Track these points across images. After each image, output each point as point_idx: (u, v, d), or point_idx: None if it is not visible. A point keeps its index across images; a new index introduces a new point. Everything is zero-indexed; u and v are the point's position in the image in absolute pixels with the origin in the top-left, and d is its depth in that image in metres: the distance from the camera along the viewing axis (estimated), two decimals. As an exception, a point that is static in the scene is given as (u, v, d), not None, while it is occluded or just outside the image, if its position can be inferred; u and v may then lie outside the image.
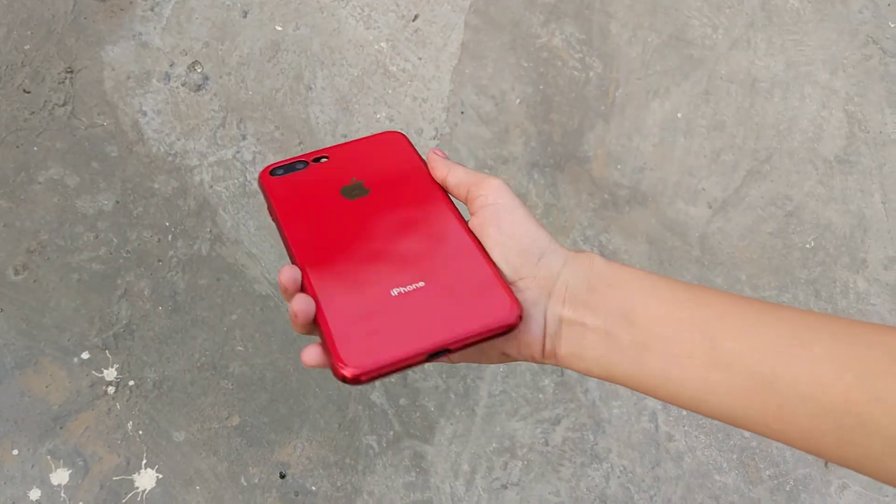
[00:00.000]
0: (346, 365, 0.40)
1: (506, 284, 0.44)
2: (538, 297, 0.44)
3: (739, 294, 0.44)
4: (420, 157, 0.51)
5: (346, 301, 0.44)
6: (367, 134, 0.57)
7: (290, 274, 0.45)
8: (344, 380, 0.41)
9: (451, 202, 0.49)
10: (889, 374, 0.35)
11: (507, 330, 0.42)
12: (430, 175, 0.50)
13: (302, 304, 0.43)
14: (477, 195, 0.47)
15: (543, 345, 0.45)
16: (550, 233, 0.47)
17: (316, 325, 0.43)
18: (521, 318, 0.43)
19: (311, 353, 0.43)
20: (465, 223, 0.48)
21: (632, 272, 0.45)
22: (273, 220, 0.49)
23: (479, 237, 0.47)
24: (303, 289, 0.45)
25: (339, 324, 0.42)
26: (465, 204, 0.49)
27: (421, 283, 0.44)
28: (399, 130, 0.52)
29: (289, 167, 0.50)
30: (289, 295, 0.45)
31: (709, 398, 0.40)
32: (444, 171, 0.49)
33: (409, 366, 0.42)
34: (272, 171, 0.50)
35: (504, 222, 0.46)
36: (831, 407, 0.36)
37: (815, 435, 0.37)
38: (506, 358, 0.47)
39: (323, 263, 0.46)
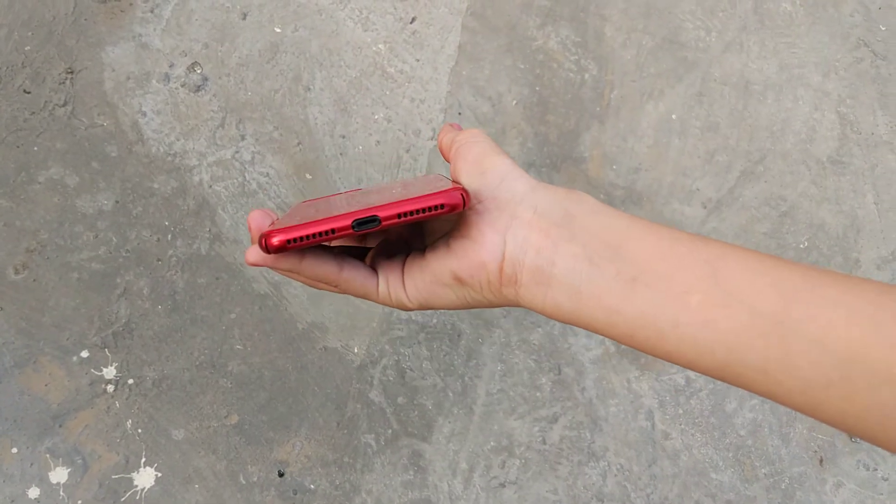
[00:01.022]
0: (272, 234, 0.41)
1: (456, 183, 0.43)
2: (496, 218, 0.41)
3: None
4: None
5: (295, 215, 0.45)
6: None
7: (256, 216, 0.45)
8: (268, 249, 0.41)
9: None
10: None
11: (442, 207, 0.40)
12: None
13: (256, 216, 0.45)
14: (454, 141, 0.47)
15: (501, 269, 0.41)
16: None
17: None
18: (464, 200, 0.40)
19: (252, 251, 0.43)
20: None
21: (620, 212, 0.41)
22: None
23: (451, 176, 0.46)
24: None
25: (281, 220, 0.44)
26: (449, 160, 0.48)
27: (374, 196, 0.45)
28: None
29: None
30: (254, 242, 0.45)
31: (703, 340, 0.36)
32: (445, 135, 0.49)
33: (337, 232, 0.41)
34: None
35: (470, 153, 0.44)
36: (841, 353, 0.33)
37: (819, 385, 0.34)
38: (459, 284, 0.42)
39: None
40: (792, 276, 0.35)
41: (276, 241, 0.40)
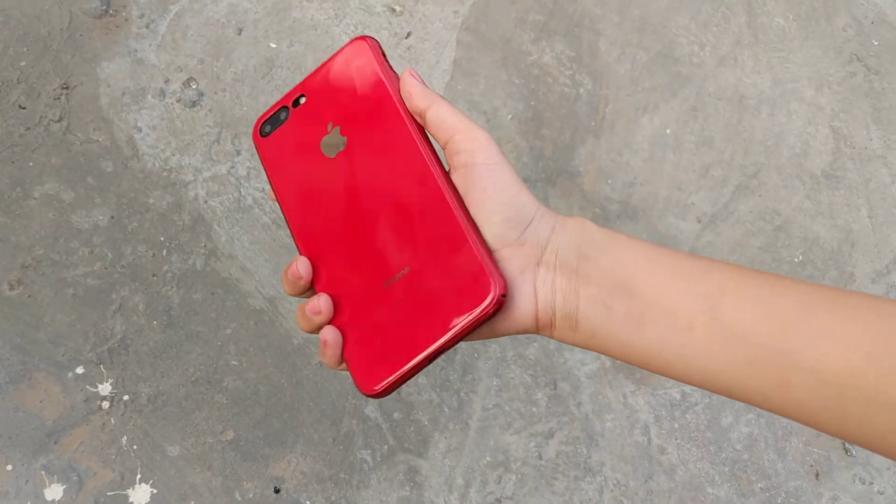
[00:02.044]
0: (367, 387, 0.43)
1: (489, 262, 0.42)
2: (525, 266, 0.43)
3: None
4: (386, 74, 0.48)
5: (350, 307, 0.45)
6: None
7: (305, 267, 0.46)
8: (369, 396, 0.43)
9: (428, 144, 0.47)
10: None
11: (491, 316, 0.41)
12: (401, 104, 0.47)
13: (331, 335, 0.44)
14: (461, 149, 0.44)
15: (536, 316, 0.43)
16: None
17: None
18: (501, 301, 0.41)
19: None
20: (444, 175, 0.45)
21: (626, 240, 0.43)
22: (271, 189, 0.50)
23: (461, 196, 0.45)
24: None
25: (352, 346, 0.44)
26: (443, 150, 0.46)
27: (406, 270, 0.44)
28: (366, 35, 0.49)
29: (274, 120, 0.50)
30: (300, 288, 0.46)
31: (707, 369, 0.39)
32: (425, 103, 0.45)
33: (416, 372, 0.44)
34: (261, 130, 0.50)
35: (490, 186, 0.44)
36: (835, 381, 0.35)
37: (815, 409, 0.36)
38: (495, 333, 0.44)
39: (321, 257, 0.47)
40: (787, 307, 0.37)
41: (372, 393, 0.44)
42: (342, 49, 0.49)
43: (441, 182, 0.45)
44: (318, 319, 0.45)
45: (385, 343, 0.43)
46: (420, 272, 0.44)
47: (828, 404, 0.36)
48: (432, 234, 0.44)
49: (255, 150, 1.26)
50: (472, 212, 0.44)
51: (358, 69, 0.49)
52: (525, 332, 0.44)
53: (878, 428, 0.35)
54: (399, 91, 0.47)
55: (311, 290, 0.47)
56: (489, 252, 0.43)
